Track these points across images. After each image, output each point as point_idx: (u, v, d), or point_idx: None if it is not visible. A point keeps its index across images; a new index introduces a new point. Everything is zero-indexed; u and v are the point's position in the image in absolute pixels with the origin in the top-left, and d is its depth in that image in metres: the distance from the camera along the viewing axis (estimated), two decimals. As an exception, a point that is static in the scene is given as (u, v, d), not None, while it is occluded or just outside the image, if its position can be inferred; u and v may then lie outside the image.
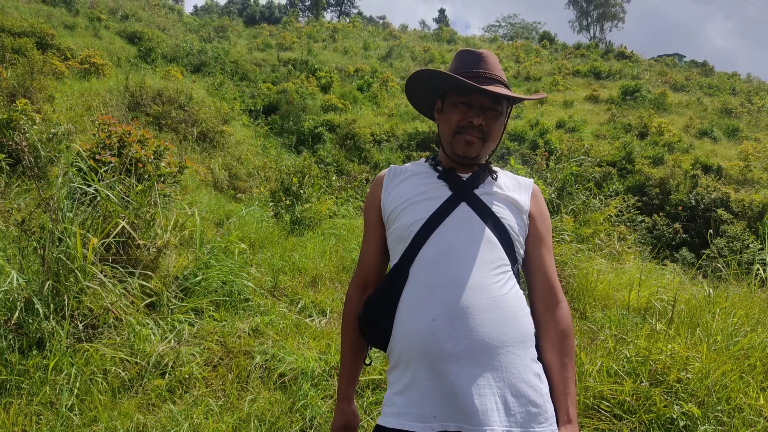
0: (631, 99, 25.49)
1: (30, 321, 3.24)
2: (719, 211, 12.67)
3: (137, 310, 3.71)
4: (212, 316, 4.02)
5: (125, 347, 3.38)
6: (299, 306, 4.51)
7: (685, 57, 46.78)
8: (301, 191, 8.28)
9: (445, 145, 1.63)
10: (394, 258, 1.59)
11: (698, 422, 2.67)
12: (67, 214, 3.77)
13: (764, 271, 4.65)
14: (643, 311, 4.21)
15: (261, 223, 6.98)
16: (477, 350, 1.37)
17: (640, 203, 13.78)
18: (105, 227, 3.89)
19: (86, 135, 8.81)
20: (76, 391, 2.96)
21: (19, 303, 3.28)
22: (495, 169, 1.70)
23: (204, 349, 3.58)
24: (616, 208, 7.95)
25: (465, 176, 1.63)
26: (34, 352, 3.14)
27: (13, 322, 3.16)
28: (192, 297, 4.14)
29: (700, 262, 7.26)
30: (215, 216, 7.59)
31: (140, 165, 5.56)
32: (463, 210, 1.54)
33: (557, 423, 1.41)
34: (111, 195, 4.10)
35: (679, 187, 14.76)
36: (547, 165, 8.14)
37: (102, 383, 3.07)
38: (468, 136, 1.56)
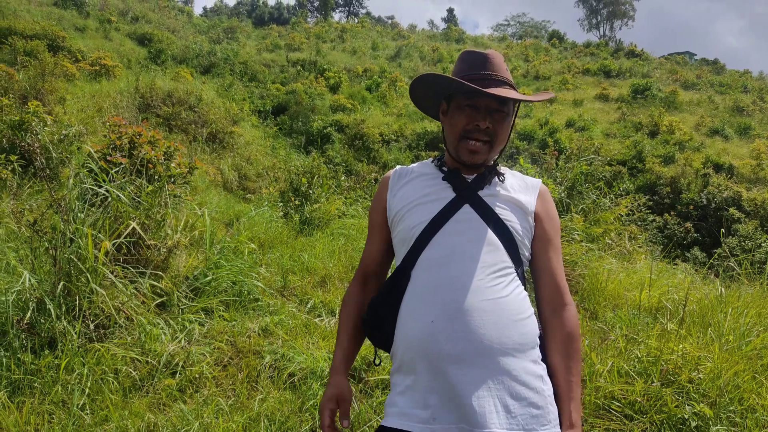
0: (641, 97, 25.32)
1: (42, 321, 3.27)
2: (731, 210, 12.57)
3: (148, 310, 3.73)
4: (222, 315, 4.04)
5: (136, 347, 3.40)
6: (309, 306, 4.52)
7: (695, 55, 46.45)
8: (310, 191, 8.30)
9: (451, 148, 1.62)
10: (398, 260, 1.60)
11: (710, 423, 2.65)
12: (79, 214, 3.80)
13: (777, 270, 4.60)
14: (654, 311, 4.18)
15: (270, 223, 7.00)
16: (476, 352, 1.36)
17: (650, 202, 13.70)
18: (116, 228, 3.91)
19: (97, 136, 8.88)
20: (87, 390, 2.98)
21: (31, 303, 3.31)
22: (503, 169, 1.68)
23: (214, 348, 3.59)
24: (627, 207, 7.89)
25: (470, 177, 1.62)
26: (46, 351, 3.16)
27: (25, 322, 3.19)
28: (202, 297, 4.16)
29: (711, 261, 7.20)
30: (225, 216, 7.62)
31: (150, 166, 5.59)
32: (466, 212, 1.54)
33: (560, 427, 1.40)
34: (122, 196, 4.13)
35: (690, 186, 14.65)
36: (557, 164, 8.10)
37: (113, 383, 3.09)
38: (473, 144, 1.55)
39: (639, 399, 2.82)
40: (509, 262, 1.50)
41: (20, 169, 6.46)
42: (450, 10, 77.88)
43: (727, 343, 3.23)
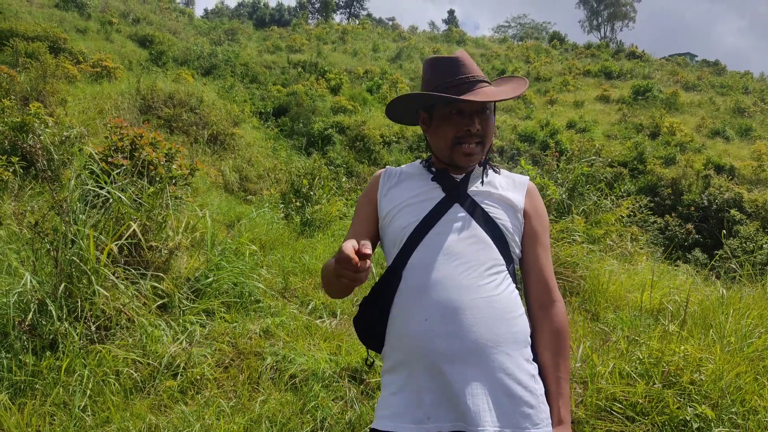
0: (642, 99, 25.33)
1: (43, 322, 3.27)
2: (732, 211, 12.57)
3: (149, 312, 3.74)
4: (223, 317, 4.04)
5: (137, 348, 3.40)
6: (310, 307, 4.52)
7: (696, 56, 46.44)
8: (311, 193, 8.30)
9: (443, 155, 1.62)
10: (389, 261, 1.60)
11: (712, 424, 2.64)
12: (80, 216, 3.80)
13: (779, 271, 4.60)
14: (656, 312, 4.17)
15: (271, 224, 7.00)
16: (470, 350, 1.37)
17: (652, 204, 13.70)
18: (117, 229, 3.92)
19: (98, 138, 8.89)
20: (88, 392, 2.98)
21: (32, 305, 3.31)
22: (490, 167, 1.69)
23: (215, 350, 3.59)
24: (628, 208, 7.89)
25: (458, 177, 1.63)
26: (48, 353, 3.16)
27: (27, 323, 3.19)
28: (203, 298, 4.16)
29: (712, 262, 7.19)
30: (226, 218, 7.62)
31: (152, 167, 5.60)
32: (456, 211, 1.55)
33: (551, 423, 1.41)
34: (123, 197, 4.13)
35: (691, 188, 14.65)
36: (558, 165, 8.10)
37: (114, 384, 3.09)
38: (467, 147, 1.56)
39: (640, 400, 2.82)
40: (501, 260, 1.51)
41: (22, 170, 6.47)
42: (451, 12, 78.02)
43: (728, 344, 3.22)
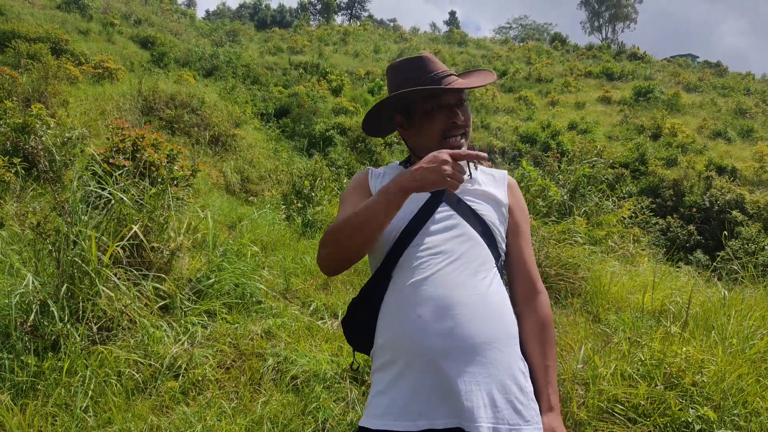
0: (643, 100, 25.34)
1: (45, 323, 3.27)
2: (734, 212, 12.56)
3: (151, 313, 3.74)
4: (225, 318, 4.04)
5: (139, 349, 3.40)
6: (311, 308, 4.52)
7: (698, 57, 46.47)
8: (313, 194, 8.31)
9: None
10: (377, 262, 1.58)
11: (714, 426, 2.64)
12: (82, 217, 3.81)
13: (781, 273, 4.59)
14: (658, 314, 4.17)
15: (273, 225, 7.01)
16: (464, 346, 1.36)
17: (653, 205, 13.68)
18: (119, 230, 3.92)
19: (100, 139, 8.91)
20: (90, 392, 2.99)
21: (34, 305, 3.31)
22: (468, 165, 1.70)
23: (217, 351, 3.59)
24: (630, 210, 7.89)
25: None
26: (50, 354, 3.17)
27: (29, 324, 3.20)
28: (205, 299, 4.16)
29: (714, 264, 7.18)
30: (227, 219, 7.63)
31: (153, 168, 5.61)
32: (443, 210, 1.55)
33: (540, 411, 1.42)
34: (125, 198, 4.14)
35: (693, 189, 14.64)
36: (560, 167, 8.11)
37: (116, 385, 3.09)
38: (454, 140, 1.57)
39: (642, 402, 2.81)
40: (490, 257, 1.52)
41: (24, 171, 6.48)
42: (452, 13, 78.09)
43: (730, 346, 3.22)
